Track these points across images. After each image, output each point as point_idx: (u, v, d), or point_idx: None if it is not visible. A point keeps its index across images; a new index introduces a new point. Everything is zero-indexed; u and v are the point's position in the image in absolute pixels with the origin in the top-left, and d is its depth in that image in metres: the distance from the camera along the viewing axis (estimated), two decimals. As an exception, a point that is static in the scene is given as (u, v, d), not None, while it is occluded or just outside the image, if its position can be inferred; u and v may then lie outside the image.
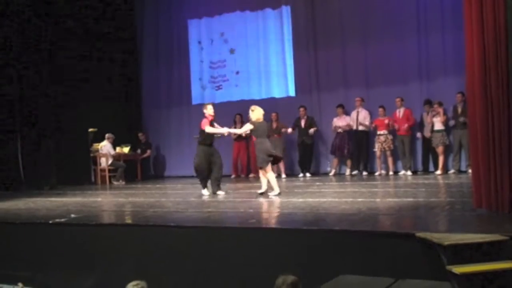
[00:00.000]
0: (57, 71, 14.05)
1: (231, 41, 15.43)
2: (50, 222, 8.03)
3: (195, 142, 13.29)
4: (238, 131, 11.13)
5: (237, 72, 15.34)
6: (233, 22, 15.38)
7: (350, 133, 13.56)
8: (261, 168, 9.90)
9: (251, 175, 14.50)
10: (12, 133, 13.49)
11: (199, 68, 15.94)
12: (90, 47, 14.83)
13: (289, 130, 13.85)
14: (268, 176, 9.82)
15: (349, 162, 13.58)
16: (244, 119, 14.52)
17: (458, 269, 5.06)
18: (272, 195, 9.61)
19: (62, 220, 8.10)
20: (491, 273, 5.10)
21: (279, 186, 9.84)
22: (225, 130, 10.61)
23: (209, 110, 10.46)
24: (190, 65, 16.01)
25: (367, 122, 13.24)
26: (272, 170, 13.78)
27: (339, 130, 13.46)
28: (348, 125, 13.45)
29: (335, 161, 13.70)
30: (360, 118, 13.31)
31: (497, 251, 5.29)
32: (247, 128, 10.12)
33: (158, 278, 6.42)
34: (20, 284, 5.20)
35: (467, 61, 6.77)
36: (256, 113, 9.99)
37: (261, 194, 9.77)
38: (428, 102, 12.63)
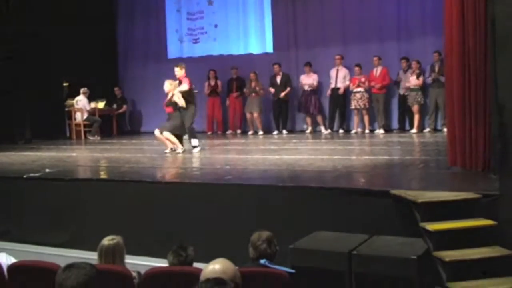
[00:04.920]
0: (30, 24, 13.73)
1: (210, -10, 15.12)
2: (25, 176, 7.97)
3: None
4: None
5: (216, 25, 15.08)
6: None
7: (316, 91, 13.56)
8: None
9: (228, 132, 14.48)
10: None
11: (176, 18, 15.55)
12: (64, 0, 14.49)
13: (272, 90, 13.78)
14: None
15: (320, 119, 13.59)
16: (218, 75, 14.44)
17: (431, 226, 5.14)
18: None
19: (37, 174, 8.04)
20: (463, 231, 5.19)
21: (255, 143, 9.82)
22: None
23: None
24: (166, 15, 15.66)
25: (347, 82, 13.19)
26: (249, 127, 13.90)
27: (306, 87, 13.45)
28: (315, 84, 13.45)
29: (308, 119, 13.71)
30: (340, 76, 13.26)
31: (470, 209, 5.39)
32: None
33: (133, 233, 6.43)
34: None
35: (445, 21, 6.77)
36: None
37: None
38: (405, 59, 12.61)
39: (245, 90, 14.03)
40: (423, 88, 12.42)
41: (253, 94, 13.83)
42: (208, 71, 14.37)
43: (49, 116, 14.31)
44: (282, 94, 13.64)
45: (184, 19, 15.45)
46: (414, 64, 12.37)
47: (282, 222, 5.98)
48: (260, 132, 13.85)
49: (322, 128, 13.57)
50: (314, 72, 13.61)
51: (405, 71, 12.60)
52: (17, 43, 13.47)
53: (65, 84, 14.99)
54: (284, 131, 13.75)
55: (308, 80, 13.48)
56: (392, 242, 5.27)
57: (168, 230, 6.67)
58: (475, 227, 5.22)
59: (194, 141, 10.24)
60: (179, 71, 10.32)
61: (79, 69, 14.76)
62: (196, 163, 9.00)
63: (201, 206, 6.68)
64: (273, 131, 13.88)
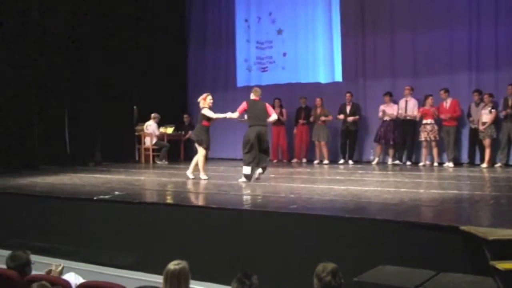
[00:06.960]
0: (105, 51, 14.24)
1: (279, 21, 15.27)
2: (95, 198, 8.17)
3: (239, 124, 13.36)
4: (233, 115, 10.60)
5: (284, 54, 15.23)
6: (282, 2, 15.25)
7: (396, 122, 13.38)
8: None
9: (294, 160, 14.49)
10: (60, 108, 13.75)
11: (245, 48, 15.87)
12: (138, 28, 14.94)
13: (341, 117, 13.79)
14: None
15: (391, 151, 13.42)
16: (286, 104, 14.50)
17: (502, 265, 4.97)
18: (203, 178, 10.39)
19: (106, 197, 8.23)
20: (536, 271, 4.99)
21: (321, 173, 9.77)
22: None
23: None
24: (236, 44, 15.97)
25: (415, 112, 12.99)
26: (315, 156, 13.85)
27: (386, 118, 13.28)
28: (398, 114, 13.24)
29: (378, 149, 13.55)
30: (409, 107, 13.09)
31: (543, 249, 5.18)
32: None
33: (198, 258, 6.48)
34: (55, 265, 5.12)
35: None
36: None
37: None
38: (478, 92, 12.33)
39: (312, 117, 14.07)
40: (496, 122, 12.11)
41: (319, 121, 13.84)
42: (273, 99, 14.46)
43: (119, 139, 14.73)
44: (350, 118, 13.58)
45: (253, 48, 15.70)
46: (486, 98, 12.07)
47: (346, 254, 5.91)
48: (326, 162, 13.79)
49: (390, 160, 13.39)
50: (394, 102, 13.47)
51: (477, 104, 12.32)
52: (93, 69, 14.02)
53: (135, 108, 15.41)
54: (350, 161, 13.65)
55: (389, 110, 13.34)
56: (460, 280, 5.12)
57: (232, 257, 6.69)
58: (548, 268, 5.02)
59: (245, 169, 9.90)
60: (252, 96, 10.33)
61: (150, 94, 15.18)
62: (260, 190, 9.02)
63: (265, 234, 6.68)
64: (339, 161, 13.80)
